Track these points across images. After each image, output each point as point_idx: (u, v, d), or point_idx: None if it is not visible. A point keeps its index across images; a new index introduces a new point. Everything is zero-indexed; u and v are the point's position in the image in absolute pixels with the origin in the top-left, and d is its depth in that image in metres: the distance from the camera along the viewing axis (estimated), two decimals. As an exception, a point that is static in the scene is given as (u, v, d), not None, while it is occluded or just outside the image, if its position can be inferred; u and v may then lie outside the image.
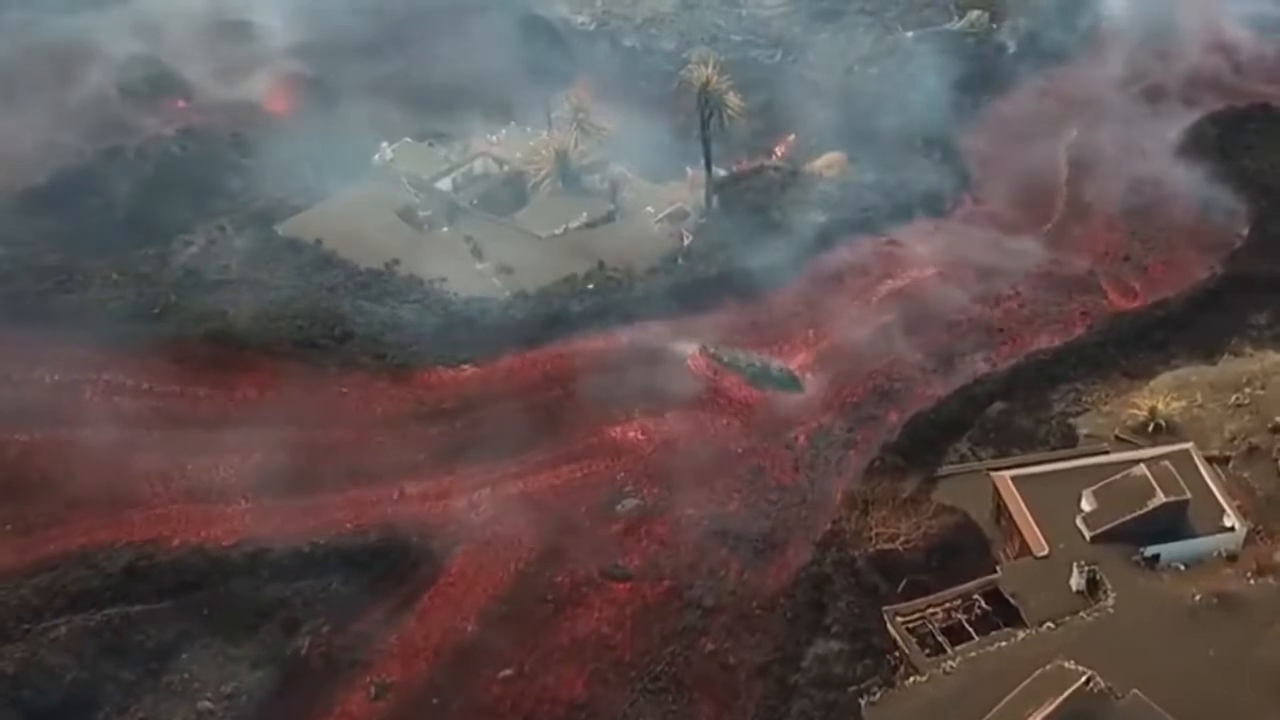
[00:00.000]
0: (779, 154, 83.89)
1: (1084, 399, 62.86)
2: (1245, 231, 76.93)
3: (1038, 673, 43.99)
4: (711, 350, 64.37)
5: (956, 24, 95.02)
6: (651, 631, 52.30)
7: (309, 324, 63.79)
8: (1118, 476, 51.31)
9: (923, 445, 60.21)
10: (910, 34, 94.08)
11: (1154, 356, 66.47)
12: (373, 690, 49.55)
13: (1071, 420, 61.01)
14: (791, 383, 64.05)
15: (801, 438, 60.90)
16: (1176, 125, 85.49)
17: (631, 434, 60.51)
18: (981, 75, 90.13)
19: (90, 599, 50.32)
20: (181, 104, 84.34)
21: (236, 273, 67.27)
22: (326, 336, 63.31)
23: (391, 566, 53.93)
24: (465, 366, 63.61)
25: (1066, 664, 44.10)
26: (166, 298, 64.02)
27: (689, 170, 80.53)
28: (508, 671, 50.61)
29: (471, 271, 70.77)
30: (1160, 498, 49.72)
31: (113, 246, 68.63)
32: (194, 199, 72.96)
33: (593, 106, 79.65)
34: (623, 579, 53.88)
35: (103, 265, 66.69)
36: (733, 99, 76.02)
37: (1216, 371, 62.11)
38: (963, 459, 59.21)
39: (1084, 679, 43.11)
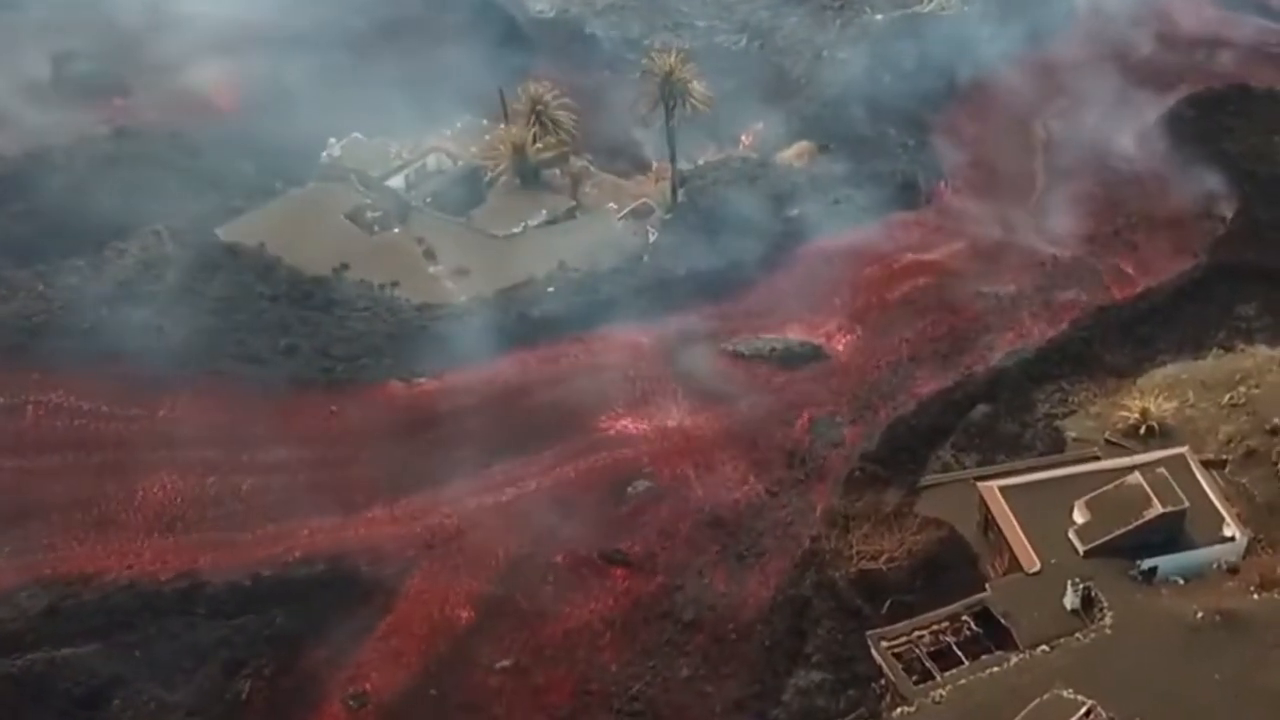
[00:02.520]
0: (746, 143, 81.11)
1: (1070, 400, 60.25)
2: (1228, 217, 74.66)
3: (1035, 703, 41.60)
4: (730, 348, 63.10)
5: (927, 6, 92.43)
6: (636, 640, 50.97)
7: (250, 336, 60.65)
8: (1111, 486, 48.82)
9: (903, 452, 57.67)
10: (880, 17, 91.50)
11: (1140, 352, 64.39)
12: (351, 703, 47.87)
13: (1058, 423, 58.38)
14: (816, 353, 62.89)
15: (804, 419, 59.47)
16: (1154, 107, 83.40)
17: (615, 442, 58.16)
18: (954, 58, 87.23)
19: (10, 642, 47.56)
20: (119, 101, 79.83)
21: (173, 282, 63.28)
22: (270, 350, 60.15)
23: (340, 597, 50.79)
24: (421, 380, 60.35)
25: (1064, 693, 41.67)
26: (97, 311, 60.18)
27: (654, 162, 77.98)
28: (505, 662, 49.59)
29: (425, 275, 67.78)
30: (1157, 508, 47.18)
31: (39, 256, 64.13)
32: (128, 203, 68.28)
33: (552, 98, 76.15)
34: (621, 564, 53.28)
35: (27, 276, 62.55)
36: (698, 88, 73.37)
37: (1208, 369, 59.57)
38: (945, 467, 56.61)
39: (1084, 710, 40.50)
